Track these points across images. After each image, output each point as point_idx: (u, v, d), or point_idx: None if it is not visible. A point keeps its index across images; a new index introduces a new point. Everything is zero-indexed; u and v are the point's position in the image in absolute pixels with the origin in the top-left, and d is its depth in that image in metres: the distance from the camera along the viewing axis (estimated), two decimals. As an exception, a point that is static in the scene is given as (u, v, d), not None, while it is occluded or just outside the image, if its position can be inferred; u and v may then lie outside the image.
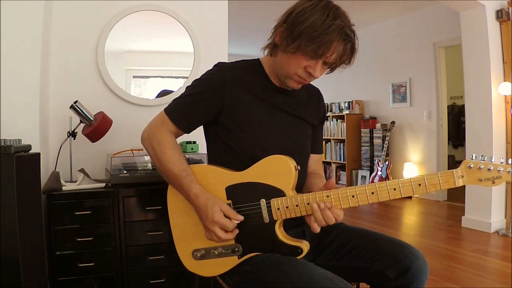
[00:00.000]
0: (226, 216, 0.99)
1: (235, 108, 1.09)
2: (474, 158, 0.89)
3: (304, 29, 0.97)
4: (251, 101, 1.11)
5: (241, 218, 1.01)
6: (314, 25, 0.96)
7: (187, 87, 1.15)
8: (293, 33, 0.99)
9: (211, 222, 0.98)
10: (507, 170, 0.86)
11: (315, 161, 1.28)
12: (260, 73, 1.15)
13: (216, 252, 1.04)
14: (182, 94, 1.15)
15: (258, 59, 1.19)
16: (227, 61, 1.19)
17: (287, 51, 1.02)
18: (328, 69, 1.08)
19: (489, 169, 0.87)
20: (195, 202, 1.02)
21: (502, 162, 0.87)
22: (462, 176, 0.90)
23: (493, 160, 0.88)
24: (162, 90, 2.19)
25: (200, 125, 1.18)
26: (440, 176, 0.91)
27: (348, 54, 1.02)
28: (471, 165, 0.88)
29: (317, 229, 0.99)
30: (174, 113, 1.12)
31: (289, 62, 1.04)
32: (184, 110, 1.12)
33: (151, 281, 1.68)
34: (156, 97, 2.17)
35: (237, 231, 1.01)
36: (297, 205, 1.00)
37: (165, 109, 1.14)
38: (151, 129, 1.13)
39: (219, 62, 1.16)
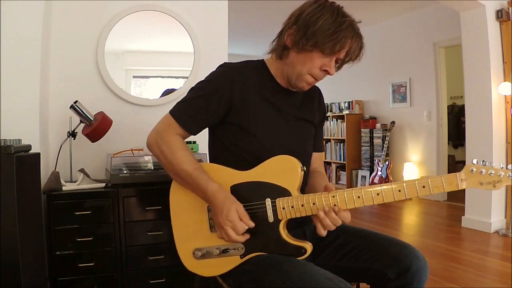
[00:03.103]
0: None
1: (242, 107, 1.09)
2: (476, 162, 0.92)
3: (318, 28, 1.00)
4: (257, 101, 1.11)
5: (252, 224, 1.00)
6: (327, 23, 1.00)
7: (192, 89, 1.13)
8: (307, 33, 1.01)
9: (225, 220, 0.98)
10: (508, 174, 0.89)
11: (316, 159, 1.29)
12: (265, 74, 1.15)
13: (218, 252, 1.04)
14: (189, 96, 1.12)
15: (263, 60, 1.19)
16: (232, 62, 1.18)
17: (304, 49, 1.03)
18: (337, 66, 1.10)
19: (490, 174, 0.90)
20: (212, 199, 1.01)
21: (502, 167, 0.90)
22: (465, 180, 0.92)
23: (493, 164, 0.90)
24: (166, 90, 2.19)
25: (208, 126, 1.16)
26: (444, 179, 0.93)
27: (360, 49, 1.06)
28: (473, 169, 0.91)
29: (323, 233, 1.00)
30: (182, 117, 1.09)
31: (305, 62, 1.06)
32: (192, 114, 1.09)
33: (151, 281, 1.68)
34: (161, 96, 2.17)
35: (247, 236, 1.01)
36: (302, 205, 1.00)
37: (170, 112, 1.11)
38: (158, 133, 1.10)
39: (224, 63, 1.16)
